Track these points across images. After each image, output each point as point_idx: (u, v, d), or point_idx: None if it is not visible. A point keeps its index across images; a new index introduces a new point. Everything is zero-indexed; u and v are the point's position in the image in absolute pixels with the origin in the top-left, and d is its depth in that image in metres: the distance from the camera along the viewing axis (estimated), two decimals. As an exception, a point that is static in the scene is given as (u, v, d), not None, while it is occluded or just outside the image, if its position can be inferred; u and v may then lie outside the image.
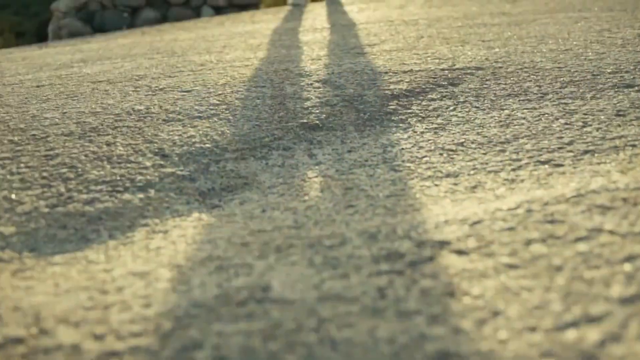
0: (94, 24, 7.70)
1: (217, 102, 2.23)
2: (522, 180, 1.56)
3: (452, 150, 1.81)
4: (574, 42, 2.98)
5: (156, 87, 2.50)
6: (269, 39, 3.84)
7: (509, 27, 3.65)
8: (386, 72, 2.53)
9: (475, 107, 2.14)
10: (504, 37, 3.26)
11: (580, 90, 2.22)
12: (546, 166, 1.64)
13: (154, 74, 2.81)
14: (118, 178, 1.69)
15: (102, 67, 3.20)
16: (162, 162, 1.78)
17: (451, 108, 2.15)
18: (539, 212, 1.26)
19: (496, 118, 2.03)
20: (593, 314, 0.91)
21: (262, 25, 4.88)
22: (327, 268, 1.13)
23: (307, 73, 2.59)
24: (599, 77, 2.35)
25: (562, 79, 2.36)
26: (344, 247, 1.20)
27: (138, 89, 2.50)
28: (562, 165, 1.63)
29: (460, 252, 1.13)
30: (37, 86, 2.78)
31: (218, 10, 8.21)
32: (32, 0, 18.68)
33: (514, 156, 1.72)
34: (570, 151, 1.72)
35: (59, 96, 2.50)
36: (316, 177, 1.72)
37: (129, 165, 1.77)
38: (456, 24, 3.90)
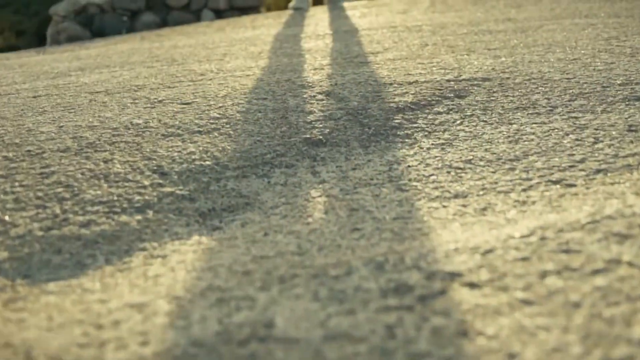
0: (93, 28, 7.66)
1: (218, 116, 2.18)
2: (534, 202, 1.51)
3: (460, 168, 1.76)
4: (582, 51, 2.93)
5: (155, 98, 2.46)
6: (270, 46, 3.80)
7: (515, 34, 3.60)
8: (391, 84, 2.49)
9: (483, 121, 2.10)
10: (510, 45, 3.21)
11: (590, 104, 2.18)
12: (558, 186, 1.60)
13: (153, 84, 2.77)
14: (115, 198, 1.65)
15: (100, 76, 3.16)
16: (160, 181, 1.74)
17: (458, 122, 2.10)
18: (553, 241, 1.21)
19: (505, 133, 1.98)
20: (615, 358, 0.87)
21: (263, 30, 4.84)
22: (332, 302, 1.08)
23: (310, 84, 2.55)
24: (608, 89, 2.30)
25: (571, 91, 2.32)
26: (350, 278, 1.16)
27: (136, 101, 2.45)
28: (574, 186, 1.59)
29: (472, 285, 1.09)
30: (34, 96, 2.74)
31: (218, 14, 8.16)
32: (33, -1, 18.63)
33: (524, 175, 1.68)
34: (582, 170, 1.68)
35: (55, 108, 2.46)
36: (320, 196, 1.67)
37: (126, 184, 1.72)
38: (461, 30, 3.86)
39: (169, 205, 1.64)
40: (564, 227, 1.27)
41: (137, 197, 1.66)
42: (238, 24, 5.80)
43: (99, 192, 1.68)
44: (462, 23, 4.21)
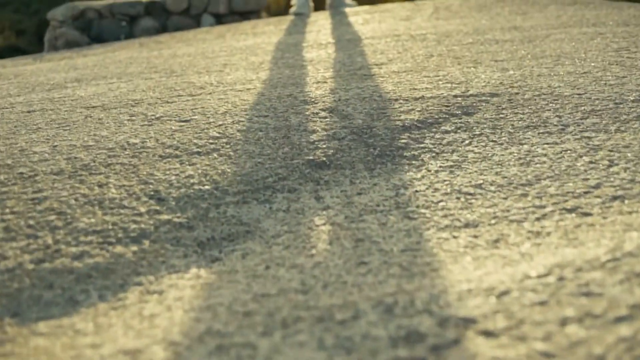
0: (91, 33, 7.61)
1: (217, 135, 2.12)
2: (549, 234, 1.45)
3: (469, 194, 1.70)
4: (592, 64, 2.87)
5: (152, 115, 2.40)
6: (271, 56, 3.74)
7: (522, 44, 3.55)
8: (396, 99, 2.43)
9: (493, 141, 2.04)
10: (518, 57, 3.15)
11: (603, 122, 2.12)
12: (573, 215, 1.54)
13: (151, 99, 2.71)
14: (110, 227, 1.59)
15: (97, 88, 3.10)
16: (157, 208, 1.68)
17: (466, 142, 2.04)
18: (572, 282, 1.15)
19: (515, 155, 1.92)
20: None
21: (264, 38, 4.78)
22: (339, 352, 1.02)
23: (313, 100, 2.49)
24: (621, 106, 2.25)
25: (582, 107, 2.26)
26: (357, 323, 1.10)
27: (133, 118, 2.40)
28: (590, 215, 1.53)
29: (488, 334, 1.03)
30: (28, 111, 2.68)
31: (219, 18, 8.11)
32: (33, -2, 18.60)
33: (537, 202, 1.62)
34: (598, 196, 1.62)
35: (50, 125, 2.40)
36: (324, 224, 1.61)
37: (122, 211, 1.66)
38: (467, 40, 3.80)
39: (166, 235, 1.58)
40: (582, 266, 1.21)
41: (133, 226, 1.60)
42: (238, 31, 5.75)
43: (93, 220, 1.62)
44: (467, 31, 4.15)
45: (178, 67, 3.59)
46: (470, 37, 3.92)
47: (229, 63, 3.60)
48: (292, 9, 6.78)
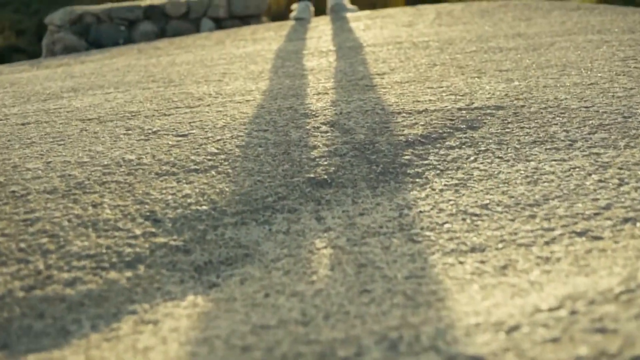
0: (89, 38, 7.57)
1: (216, 151, 2.08)
2: (558, 259, 1.41)
3: (475, 215, 1.66)
4: (599, 74, 2.83)
5: (149, 129, 2.36)
6: (271, 65, 3.70)
7: (526, 52, 3.50)
8: (399, 113, 2.39)
9: (499, 157, 2.00)
10: (523, 66, 3.11)
11: (612, 137, 2.08)
12: (583, 239, 1.49)
13: (148, 111, 2.67)
14: (104, 251, 1.55)
15: (93, 99, 3.06)
16: (153, 230, 1.64)
17: (472, 158, 2.00)
18: (585, 316, 1.11)
19: (522, 172, 1.88)
20: None
21: (264, 45, 4.74)
22: (341, 394, 0.98)
23: (313, 113, 2.45)
24: (630, 120, 2.20)
25: (590, 121, 2.22)
26: (360, 361, 1.06)
27: (130, 132, 2.35)
28: (601, 239, 1.48)
29: (498, 375, 0.98)
30: (23, 124, 2.64)
31: (218, 23, 8.07)
32: (33, -3, 18.57)
33: (546, 224, 1.58)
34: (609, 218, 1.58)
35: (44, 139, 2.36)
36: (325, 247, 1.57)
37: (116, 233, 1.62)
38: (470, 48, 3.76)
39: (162, 259, 1.54)
40: (595, 298, 1.17)
41: (128, 250, 1.56)
42: (238, 36, 5.71)
43: (86, 243, 1.58)
44: (470, 39, 4.11)
45: (176, 76, 3.55)
46: (473, 44, 3.87)
47: (228, 72, 3.56)
48: (293, 14, 6.74)
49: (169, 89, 3.17)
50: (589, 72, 2.88)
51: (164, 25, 7.91)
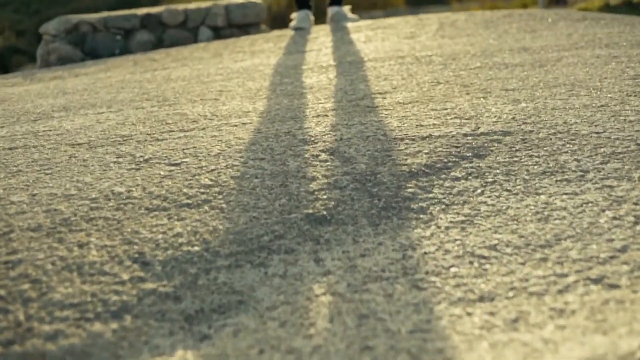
0: (85, 47, 7.50)
1: (209, 183, 2.00)
2: (573, 312, 1.33)
3: (484, 257, 1.58)
4: (609, 95, 2.75)
5: (141, 156, 2.28)
6: (269, 82, 3.62)
7: (533, 68, 3.43)
8: (402, 139, 2.31)
9: (507, 190, 1.92)
10: (530, 85, 3.04)
11: (626, 167, 2.00)
12: (599, 287, 1.41)
13: (140, 135, 2.59)
14: (89, 299, 1.47)
15: (85, 119, 2.99)
16: (141, 274, 1.56)
17: (479, 191, 1.92)
18: (607, 387, 1.03)
19: (532, 208, 1.80)
20: None
21: (262, 59, 4.67)
22: None
23: (312, 138, 2.37)
24: (644, 147, 2.13)
25: (602, 149, 2.14)
26: None
27: (120, 159, 2.28)
28: (618, 287, 1.40)
29: None
30: (10, 148, 2.57)
31: (216, 31, 8.01)
32: (33, -3, 18.52)
33: (559, 269, 1.50)
34: (625, 263, 1.50)
35: (31, 166, 2.28)
36: (324, 294, 1.49)
37: (102, 278, 1.54)
38: (474, 63, 3.68)
39: (150, 308, 1.46)
40: (616, 364, 1.09)
41: (114, 298, 1.48)
42: (236, 48, 5.64)
43: (70, 290, 1.50)
44: (474, 53, 4.03)
45: (171, 94, 3.47)
46: (478, 60, 3.80)
47: (225, 90, 3.48)
48: (292, 24, 6.67)
49: (163, 108, 3.09)
50: (598, 93, 2.81)
51: (161, 35, 7.84)
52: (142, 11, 7.92)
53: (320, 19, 7.40)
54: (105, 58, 6.83)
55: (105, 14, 7.94)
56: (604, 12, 10.55)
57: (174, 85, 3.74)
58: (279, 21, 16.87)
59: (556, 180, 1.96)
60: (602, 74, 3.17)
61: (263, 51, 5.13)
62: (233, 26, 8.15)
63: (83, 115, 3.09)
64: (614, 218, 1.71)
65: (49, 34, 7.58)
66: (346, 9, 7.11)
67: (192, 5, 8.27)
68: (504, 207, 1.82)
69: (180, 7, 8.13)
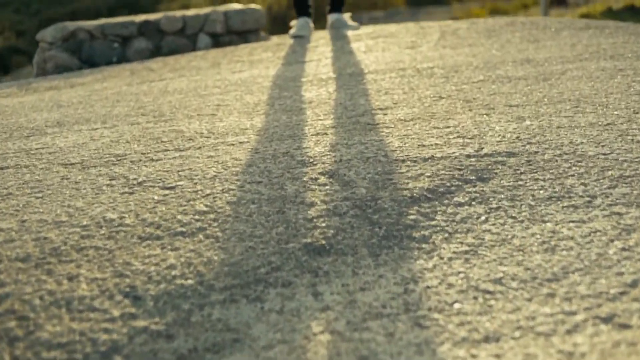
0: (82, 55, 7.45)
1: (205, 209, 1.95)
2: (583, 356, 1.28)
3: (488, 292, 1.53)
4: (615, 112, 2.71)
5: (134, 179, 2.24)
6: (267, 96, 3.58)
7: (537, 82, 3.38)
8: (403, 160, 2.26)
9: (512, 217, 1.87)
10: (534, 100, 2.99)
11: (635, 192, 1.95)
12: (609, 327, 1.36)
13: (135, 154, 2.54)
14: (77, 338, 1.42)
15: (78, 136, 2.94)
16: (133, 310, 1.51)
17: (482, 218, 1.87)
18: None
19: (538, 237, 1.75)
20: None
21: (260, 70, 4.62)
22: None
23: (311, 160, 2.32)
24: (653, 170, 2.08)
25: (610, 172, 2.09)
26: None
27: (113, 182, 2.23)
28: (629, 327, 1.35)
29: None
30: (1, 168, 2.52)
31: (215, 38, 7.96)
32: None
33: (567, 306, 1.45)
34: (636, 299, 1.45)
35: (21, 189, 2.23)
36: (322, 332, 1.44)
37: (92, 315, 1.49)
38: (477, 76, 3.64)
39: (141, 347, 1.41)
40: (630, 420, 1.04)
41: (104, 337, 1.43)
42: (235, 57, 5.59)
43: (58, 328, 1.45)
44: (477, 65, 3.99)
45: (167, 108, 3.42)
46: (480, 72, 3.75)
47: (222, 104, 3.43)
48: (292, 31, 6.63)
49: (158, 124, 3.04)
50: (604, 109, 2.76)
51: (159, 42, 7.80)
52: (139, 18, 7.87)
53: (320, 21, 7.36)
54: (103, 66, 6.78)
55: (102, 20, 7.89)
56: (606, 17, 10.50)
57: (170, 99, 3.69)
58: (279, 22, 16.85)
59: (563, 207, 1.91)
60: (607, 89, 3.12)
61: (262, 61, 5.09)
62: (232, 33, 8.10)
63: (77, 132, 3.04)
64: (623, 249, 1.66)
65: (45, 42, 7.53)
66: (346, 16, 7.07)
67: (190, 12, 8.23)
68: (509, 236, 1.77)
69: (179, 13, 8.09)
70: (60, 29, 7.49)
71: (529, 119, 2.68)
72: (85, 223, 1.90)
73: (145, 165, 2.37)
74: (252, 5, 8.51)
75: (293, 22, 6.83)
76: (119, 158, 2.50)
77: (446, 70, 3.89)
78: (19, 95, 4.72)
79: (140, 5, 17.82)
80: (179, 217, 1.91)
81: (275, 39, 7.67)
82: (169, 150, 2.56)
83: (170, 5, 18.04)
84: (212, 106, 3.38)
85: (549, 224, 1.82)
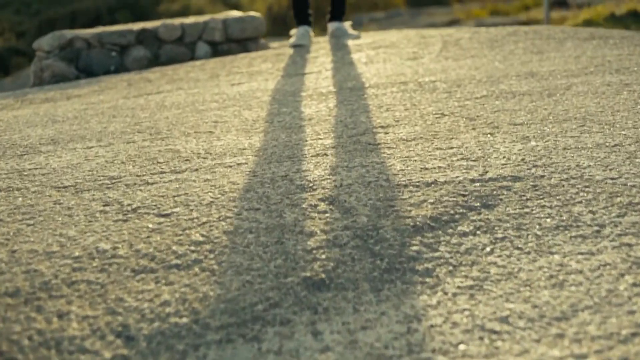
0: (79, 64, 7.41)
1: (201, 239, 1.91)
2: (595, 406, 1.23)
3: (495, 332, 1.48)
4: (622, 132, 2.66)
5: (129, 205, 2.19)
6: (266, 112, 3.53)
7: (541, 98, 3.34)
8: (405, 185, 2.22)
9: (518, 248, 1.82)
10: (539, 118, 2.94)
11: (644, 221, 1.90)
12: (622, 372, 1.31)
13: (130, 176, 2.49)
14: (66, 384, 1.37)
15: (73, 156, 2.89)
16: (125, 351, 1.46)
17: (488, 249, 1.82)
18: None
19: (546, 270, 1.70)
20: None
21: (260, 82, 4.58)
22: None
23: (311, 184, 2.27)
24: (663, 197, 2.03)
25: (618, 199, 2.04)
26: None
27: (107, 208, 2.18)
28: (643, 373, 1.30)
29: None
30: (-7, 191, 2.47)
31: (214, 46, 7.92)
32: (33, -2, 18.47)
33: (576, 348, 1.40)
34: (649, 341, 1.40)
35: (12, 215, 2.19)
36: (322, 376, 1.39)
37: (82, 357, 1.44)
38: (480, 91, 3.59)
39: (133, 393, 1.36)
40: None
41: (94, 382, 1.38)
42: (234, 68, 5.55)
43: (46, 372, 1.40)
44: (480, 79, 3.94)
45: (164, 125, 3.38)
46: (483, 87, 3.71)
47: (220, 120, 3.39)
48: (292, 41, 6.59)
49: (154, 143, 3.00)
50: (611, 129, 2.71)
51: (157, 50, 7.76)
52: (137, 26, 7.84)
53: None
54: (100, 76, 6.74)
55: (100, 29, 7.85)
56: (610, 23, 10.44)
57: (167, 115, 3.65)
58: (279, 22, 16.82)
59: (570, 237, 1.86)
60: (614, 106, 3.07)
61: (261, 73, 5.04)
62: (231, 41, 8.06)
63: (71, 150, 3.00)
64: (634, 284, 1.61)
65: (42, 51, 7.49)
66: (347, 24, 7.04)
67: (189, 20, 8.19)
68: (516, 270, 1.72)
69: (177, 21, 8.05)
70: (57, 38, 7.45)
71: (534, 139, 2.63)
72: (77, 254, 1.85)
73: (140, 190, 2.32)
74: (252, 13, 8.47)
75: (293, 31, 6.79)
76: (113, 181, 2.45)
77: (448, 84, 3.85)
78: (14, 108, 4.68)
79: (140, 5, 17.78)
80: (174, 247, 1.86)
81: (275, 45, 7.63)
82: (165, 172, 2.51)
83: (171, 5, 17.99)
84: (209, 123, 3.34)
85: (556, 256, 1.77)
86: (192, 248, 1.86)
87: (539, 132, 2.74)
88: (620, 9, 13.18)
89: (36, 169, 2.72)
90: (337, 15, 6.88)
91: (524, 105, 3.20)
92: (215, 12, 18.15)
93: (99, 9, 17.15)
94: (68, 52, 7.44)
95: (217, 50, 7.93)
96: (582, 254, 1.77)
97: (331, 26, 6.88)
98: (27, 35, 16.50)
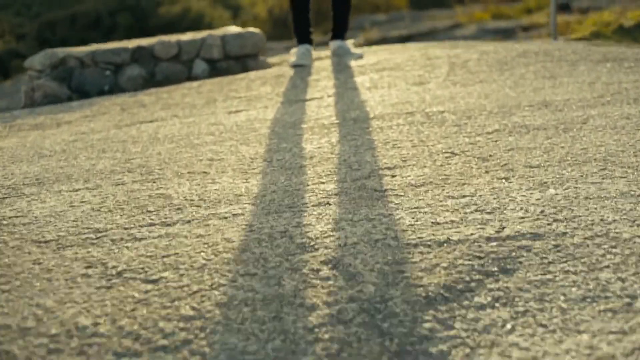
0: (72, 83, 7.28)
1: (191, 313, 1.76)
2: None
3: None
4: (648, 177, 2.51)
5: (114, 268, 2.04)
6: (265, 147, 3.39)
7: (557, 134, 3.19)
8: (415, 245, 2.07)
9: (542, 325, 1.67)
10: (556, 159, 2.80)
11: (680, 292, 1.75)
12: None
13: (116, 229, 2.35)
14: None
15: (57, 201, 2.75)
16: None
17: (508, 327, 1.67)
18: None
19: (574, 355, 1.55)
20: None
21: (259, 110, 4.43)
22: None
23: (312, 243, 2.13)
24: (698, 261, 1.88)
25: (649, 263, 1.89)
26: None
27: (89, 270, 2.04)
28: None
29: None
30: (-31, 245, 2.32)
31: (212, 64, 7.79)
32: (34, 0, 18.39)
33: None
34: None
35: (-12, 278, 2.04)
36: None
37: None
38: (492, 125, 3.45)
39: None
40: None
41: None
42: (231, 91, 5.41)
43: None
44: (491, 109, 3.80)
45: (156, 163, 3.23)
46: (495, 119, 3.56)
47: (216, 158, 3.24)
48: (292, 60, 6.46)
49: (145, 185, 2.85)
50: (635, 174, 2.57)
51: (153, 68, 7.63)
52: (132, 43, 7.70)
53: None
54: (93, 97, 6.61)
55: (94, 47, 7.73)
56: (619, 36, 10.32)
57: (160, 150, 3.50)
58: (279, 25, 16.69)
59: (599, 311, 1.71)
60: (635, 144, 2.93)
61: (260, 98, 4.90)
62: (230, 58, 7.93)
63: (56, 193, 2.85)
64: (675, 375, 1.46)
65: (34, 69, 7.36)
66: (349, 43, 6.91)
67: (185, 37, 8.06)
68: (540, 354, 1.57)
69: (174, 38, 7.92)
70: (49, 56, 7.31)
71: (553, 186, 2.49)
72: (54, 331, 1.70)
73: (126, 247, 2.17)
74: (251, 29, 8.35)
75: (293, 50, 6.66)
76: (98, 235, 2.30)
77: (458, 115, 3.70)
78: (1, 136, 4.55)
79: (140, 7, 17.66)
80: (161, 324, 1.71)
81: (275, 61, 7.50)
82: (154, 224, 2.37)
83: (171, 8, 17.86)
84: (204, 161, 3.19)
85: (585, 336, 1.62)
86: (182, 325, 1.71)
87: (557, 176, 2.59)
88: (627, 17, 13.02)
89: (17, 216, 2.58)
90: (339, 33, 6.75)
91: (540, 143, 3.06)
92: (215, 14, 18.03)
93: (99, 12, 17.04)
94: (60, 71, 7.31)
95: (215, 67, 7.80)
96: (612, 332, 1.62)
97: (333, 45, 6.76)
98: (27, 38, 16.40)
